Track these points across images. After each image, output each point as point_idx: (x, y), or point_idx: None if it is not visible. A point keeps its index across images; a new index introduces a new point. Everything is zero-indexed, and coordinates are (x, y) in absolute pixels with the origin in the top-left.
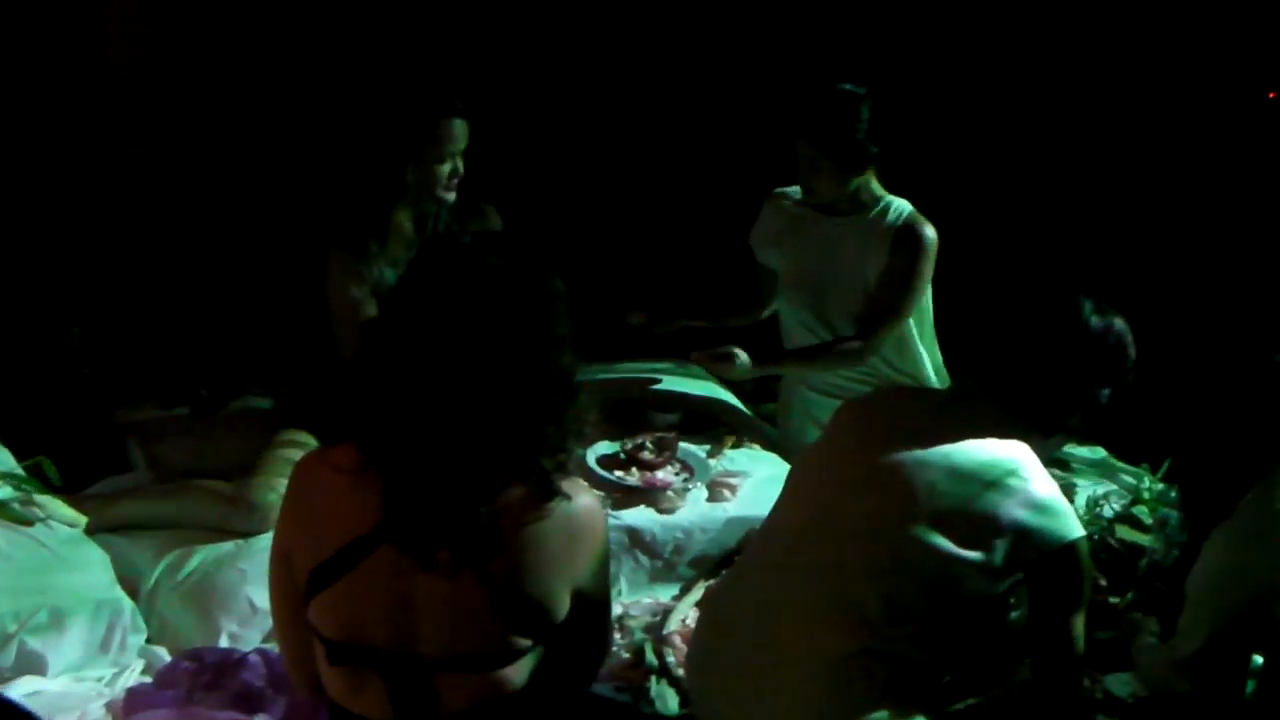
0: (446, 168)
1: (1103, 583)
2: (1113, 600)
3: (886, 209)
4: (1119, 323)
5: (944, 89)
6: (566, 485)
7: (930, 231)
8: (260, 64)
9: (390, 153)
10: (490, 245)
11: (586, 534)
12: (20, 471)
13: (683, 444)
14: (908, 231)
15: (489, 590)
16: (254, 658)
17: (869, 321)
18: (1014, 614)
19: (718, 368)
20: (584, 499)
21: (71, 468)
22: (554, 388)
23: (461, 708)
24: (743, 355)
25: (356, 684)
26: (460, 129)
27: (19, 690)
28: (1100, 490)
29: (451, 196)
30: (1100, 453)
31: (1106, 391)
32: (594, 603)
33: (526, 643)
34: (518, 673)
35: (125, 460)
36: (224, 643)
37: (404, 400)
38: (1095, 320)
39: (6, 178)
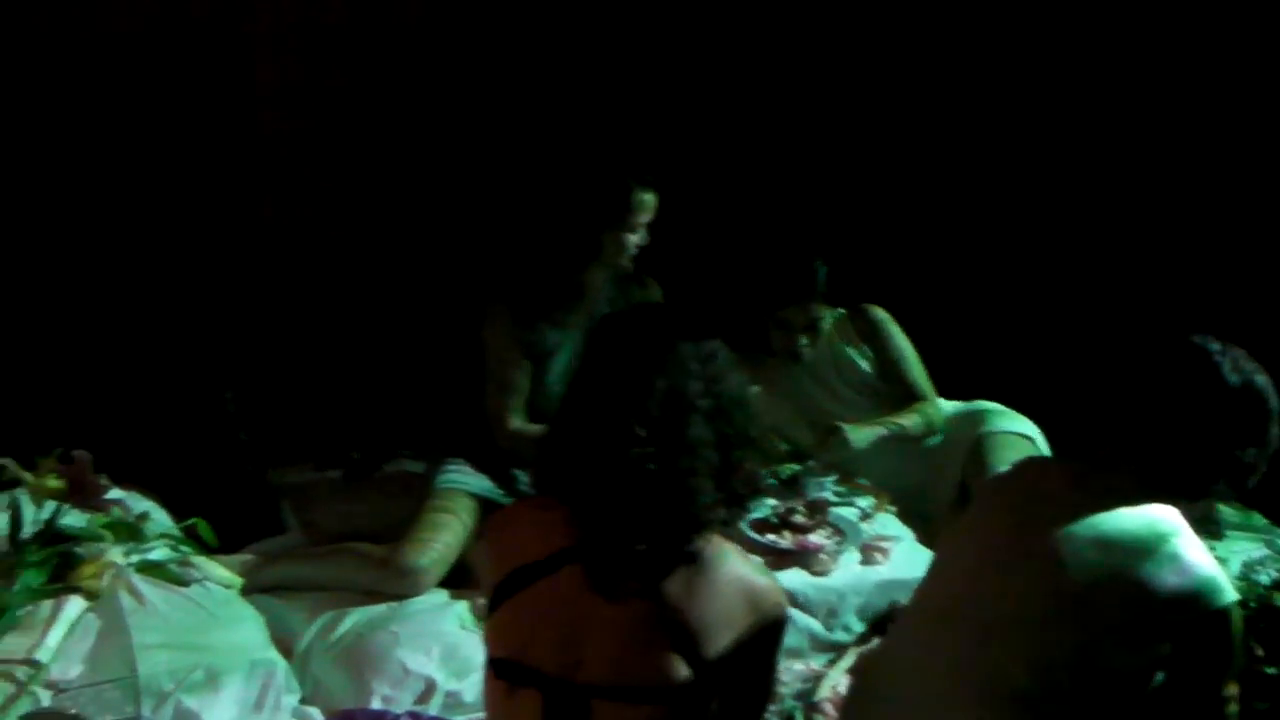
0: (636, 237)
1: (1259, 652)
2: (1269, 670)
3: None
4: (1260, 378)
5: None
6: (755, 564)
7: (869, 305)
8: (408, 127)
9: (588, 219)
10: (663, 319)
11: (764, 604)
12: (177, 533)
13: (833, 509)
14: (863, 318)
15: (662, 627)
16: None
17: (912, 396)
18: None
19: (831, 448)
20: (769, 578)
21: (227, 529)
22: (732, 446)
23: None
24: (848, 427)
25: (514, 706)
26: (652, 202)
27: None
28: (1256, 555)
29: (631, 266)
30: (1255, 517)
31: (1252, 452)
32: (759, 666)
33: (688, 681)
34: (675, 713)
35: (279, 522)
36: (376, 704)
37: (597, 459)
38: (1234, 378)
39: (159, 245)
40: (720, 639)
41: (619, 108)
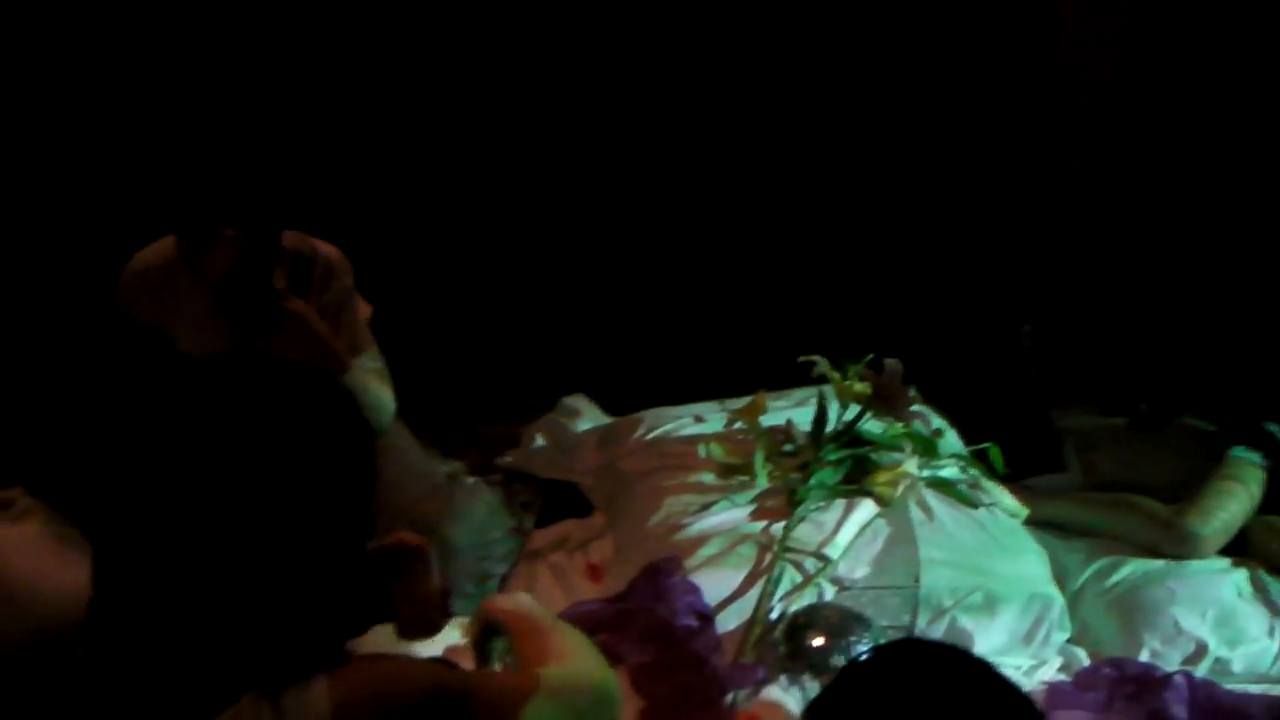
0: None
1: None
2: None
3: None
4: None
5: None
6: None
7: None
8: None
9: None
10: None
11: None
12: (967, 455)
13: None
14: None
15: None
16: (1179, 679)
17: None
18: None
19: None
20: None
21: (1008, 459)
22: None
23: None
24: None
25: None
26: None
27: None
28: None
29: None
30: None
31: None
32: None
33: None
34: None
35: (1060, 460)
36: (1144, 657)
37: None
38: None
39: (975, 172)
40: None
41: None
